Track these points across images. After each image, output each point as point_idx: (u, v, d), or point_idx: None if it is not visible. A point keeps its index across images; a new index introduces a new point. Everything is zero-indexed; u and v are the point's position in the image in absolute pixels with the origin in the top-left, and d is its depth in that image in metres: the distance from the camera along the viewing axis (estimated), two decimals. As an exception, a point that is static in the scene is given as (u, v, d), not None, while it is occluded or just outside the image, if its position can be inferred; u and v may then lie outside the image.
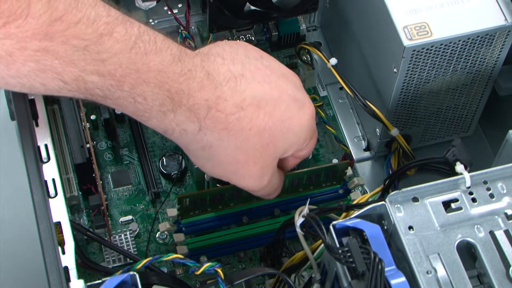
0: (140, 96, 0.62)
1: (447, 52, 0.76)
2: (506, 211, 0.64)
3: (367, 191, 0.86)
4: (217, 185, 0.79)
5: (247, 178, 0.70)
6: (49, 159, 0.69)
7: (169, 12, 0.90)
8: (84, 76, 0.59)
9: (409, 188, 0.64)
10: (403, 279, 0.60)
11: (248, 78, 0.67)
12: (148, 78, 0.61)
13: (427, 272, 0.61)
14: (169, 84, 0.62)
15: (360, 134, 0.92)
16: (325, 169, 0.81)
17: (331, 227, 0.62)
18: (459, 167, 0.67)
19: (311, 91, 0.94)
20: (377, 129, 0.86)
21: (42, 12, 0.55)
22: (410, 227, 0.63)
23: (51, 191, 0.67)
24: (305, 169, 0.81)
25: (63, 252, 0.64)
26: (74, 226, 0.74)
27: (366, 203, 0.67)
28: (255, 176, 0.69)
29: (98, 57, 0.58)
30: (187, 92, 0.63)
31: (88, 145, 0.81)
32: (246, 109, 0.66)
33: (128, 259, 0.81)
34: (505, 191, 0.65)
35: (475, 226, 0.63)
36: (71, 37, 0.57)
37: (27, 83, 0.59)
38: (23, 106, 0.69)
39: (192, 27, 0.92)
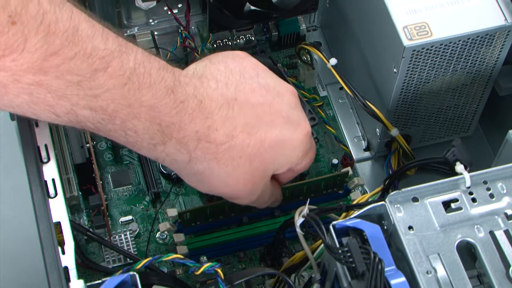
0: (130, 130, 0.62)
1: (447, 52, 0.76)
2: (506, 211, 0.64)
3: (367, 191, 0.86)
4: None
5: (237, 197, 0.71)
6: (49, 159, 0.69)
7: (169, 12, 0.90)
8: (76, 110, 0.59)
9: (409, 188, 0.64)
10: (403, 279, 0.60)
11: (241, 102, 0.67)
12: (139, 113, 0.61)
13: (427, 272, 0.61)
14: (160, 118, 0.62)
15: (360, 134, 0.92)
16: (325, 179, 0.81)
17: (331, 227, 0.62)
18: (459, 167, 0.67)
19: (311, 91, 0.94)
20: (377, 129, 0.86)
21: (38, 46, 0.54)
22: (410, 227, 0.63)
23: (51, 191, 0.67)
24: (305, 181, 0.81)
25: (63, 252, 0.64)
26: (74, 226, 0.74)
27: (366, 203, 0.67)
28: (246, 194, 0.70)
29: (91, 93, 0.58)
30: (178, 125, 0.63)
31: (88, 145, 0.81)
32: (236, 137, 0.66)
33: (128, 259, 0.81)
34: (505, 191, 0.65)
35: (475, 226, 0.63)
36: (65, 72, 0.56)
37: (20, 111, 0.59)
38: (23, 106, 0.69)
39: (192, 27, 0.92)
